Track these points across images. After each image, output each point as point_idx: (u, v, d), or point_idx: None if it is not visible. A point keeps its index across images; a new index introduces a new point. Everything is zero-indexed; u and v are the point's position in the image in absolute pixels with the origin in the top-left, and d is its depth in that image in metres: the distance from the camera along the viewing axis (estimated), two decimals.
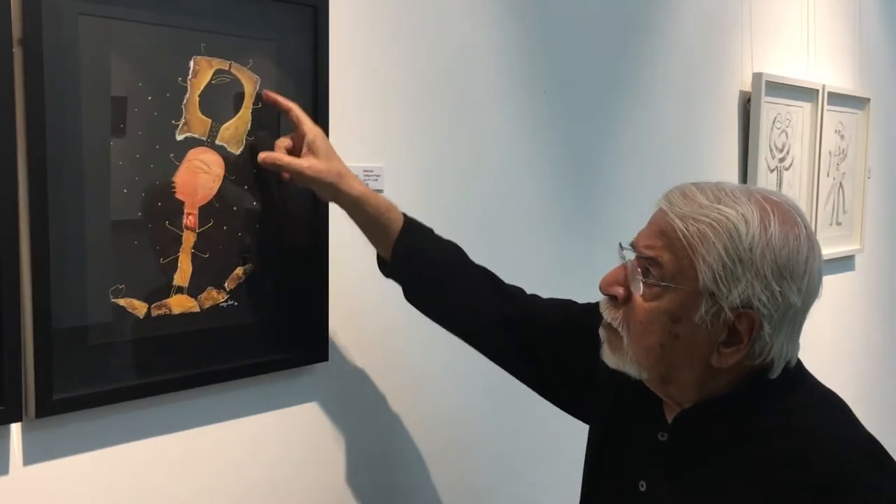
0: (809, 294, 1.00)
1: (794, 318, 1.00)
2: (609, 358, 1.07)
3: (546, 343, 1.29)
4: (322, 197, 1.29)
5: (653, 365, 1.03)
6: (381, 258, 1.33)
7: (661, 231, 1.01)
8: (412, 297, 1.34)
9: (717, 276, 0.96)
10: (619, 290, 1.05)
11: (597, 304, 1.12)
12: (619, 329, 1.04)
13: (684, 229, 0.98)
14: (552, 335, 1.28)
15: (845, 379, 3.26)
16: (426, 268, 1.31)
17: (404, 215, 1.30)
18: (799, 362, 1.06)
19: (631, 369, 1.05)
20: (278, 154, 1.23)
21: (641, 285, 1.02)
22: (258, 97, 1.28)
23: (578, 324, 1.23)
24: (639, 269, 1.02)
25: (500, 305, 1.31)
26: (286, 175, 1.24)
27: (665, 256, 1.00)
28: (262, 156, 1.21)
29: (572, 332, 1.25)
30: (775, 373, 1.02)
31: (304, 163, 1.21)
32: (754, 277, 0.96)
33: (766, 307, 0.97)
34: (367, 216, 1.27)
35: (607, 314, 1.07)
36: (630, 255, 1.05)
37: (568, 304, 1.33)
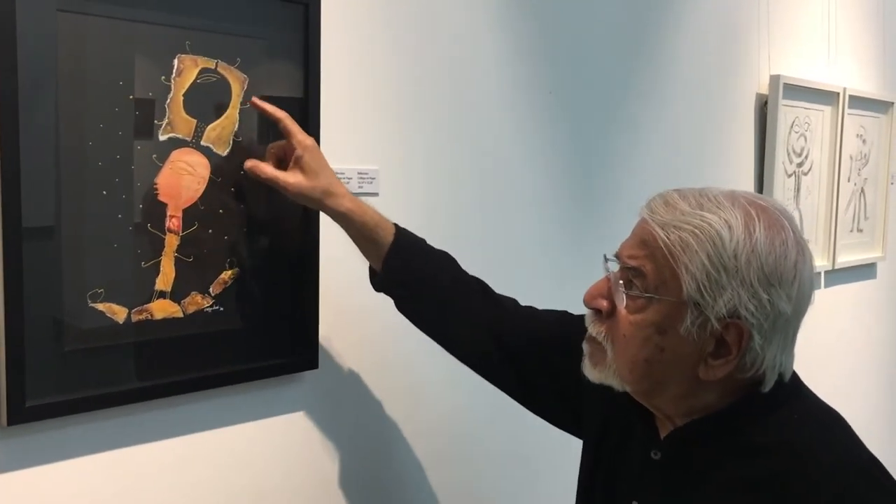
0: (800, 301, 0.96)
1: (785, 326, 0.96)
2: (590, 372, 1.04)
3: (538, 358, 1.26)
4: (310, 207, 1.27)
5: (638, 380, 1.00)
6: (373, 270, 1.32)
7: (643, 241, 0.98)
8: (403, 310, 1.33)
9: (702, 286, 0.93)
10: (603, 303, 1.02)
11: None
12: (604, 343, 1.02)
13: (665, 238, 0.95)
14: (545, 350, 1.25)
15: (867, 389, 3.19)
16: (416, 285, 1.29)
17: (396, 228, 1.28)
18: (794, 375, 1.03)
19: (614, 382, 1.02)
20: (263, 166, 1.21)
21: (625, 297, 0.99)
22: (246, 97, 1.25)
23: (571, 337, 1.19)
24: (621, 281, 1.00)
25: (490, 320, 1.28)
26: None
27: (647, 266, 0.97)
28: (248, 164, 1.21)
29: (565, 346, 1.21)
30: (768, 386, 0.98)
31: (290, 178, 1.20)
32: (740, 286, 0.92)
33: (755, 316, 0.93)
34: (356, 231, 1.26)
35: (592, 328, 1.04)
36: (614, 267, 1.03)
37: (561, 317, 1.30)
